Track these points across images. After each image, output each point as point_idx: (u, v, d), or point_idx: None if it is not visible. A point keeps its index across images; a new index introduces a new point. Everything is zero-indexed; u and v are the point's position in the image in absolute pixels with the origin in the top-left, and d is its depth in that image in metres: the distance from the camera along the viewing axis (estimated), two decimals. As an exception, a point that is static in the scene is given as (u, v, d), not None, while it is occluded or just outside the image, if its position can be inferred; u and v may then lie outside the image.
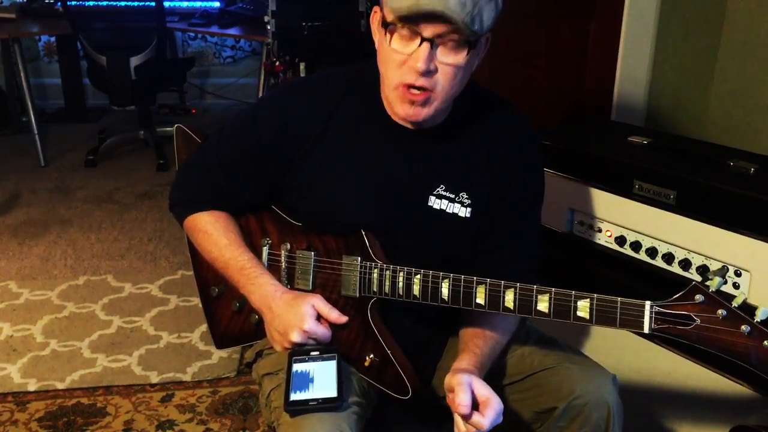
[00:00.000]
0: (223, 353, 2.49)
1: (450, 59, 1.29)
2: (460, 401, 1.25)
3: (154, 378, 2.43)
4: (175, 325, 2.74)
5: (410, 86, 1.30)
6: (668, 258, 1.72)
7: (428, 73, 1.28)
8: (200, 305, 1.68)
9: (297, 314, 1.40)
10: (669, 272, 1.72)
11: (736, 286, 1.61)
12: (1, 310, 2.83)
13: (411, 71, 1.29)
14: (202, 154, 1.56)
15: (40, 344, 2.62)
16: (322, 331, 1.40)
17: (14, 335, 2.67)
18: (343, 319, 1.41)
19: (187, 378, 2.43)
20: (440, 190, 1.43)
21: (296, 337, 1.38)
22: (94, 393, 2.36)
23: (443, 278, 1.34)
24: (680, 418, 1.78)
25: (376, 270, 1.39)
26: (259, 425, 2.20)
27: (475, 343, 1.41)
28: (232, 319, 1.59)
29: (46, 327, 2.72)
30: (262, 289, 1.45)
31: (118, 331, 2.71)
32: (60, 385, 2.40)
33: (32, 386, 2.39)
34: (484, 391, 1.28)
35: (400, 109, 1.34)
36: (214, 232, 1.51)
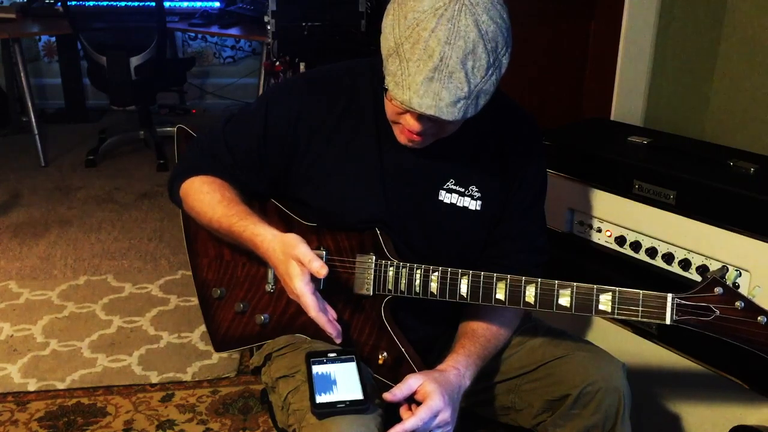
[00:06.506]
0: (223, 353, 2.49)
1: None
2: (387, 393, 1.29)
3: (154, 378, 2.43)
4: (175, 325, 2.74)
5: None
6: (668, 258, 1.72)
7: (423, 131, 1.29)
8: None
9: (288, 273, 1.31)
10: (669, 272, 1.72)
11: (736, 286, 1.60)
12: (1, 310, 2.84)
13: (406, 124, 1.29)
14: (208, 134, 1.52)
15: (40, 344, 2.62)
16: (310, 299, 1.29)
17: (14, 335, 2.67)
18: (323, 271, 1.27)
19: (187, 378, 2.43)
20: (450, 184, 1.43)
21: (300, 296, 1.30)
22: (94, 393, 2.36)
23: (462, 275, 1.34)
24: (680, 418, 1.78)
25: (391, 268, 1.39)
26: (260, 425, 2.21)
27: (461, 344, 1.43)
28: (234, 321, 1.55)
29: (46, 327, 2.73)
30: (261, 238, 1.36)
31: (118, 331, 2.71)
32: (60, 385, 2.40)
33: (32, 386, 2.39)
34: (429, 388, 1.29)
35: (398, 138, 1.35)
36: (209, 192, 1.44)
